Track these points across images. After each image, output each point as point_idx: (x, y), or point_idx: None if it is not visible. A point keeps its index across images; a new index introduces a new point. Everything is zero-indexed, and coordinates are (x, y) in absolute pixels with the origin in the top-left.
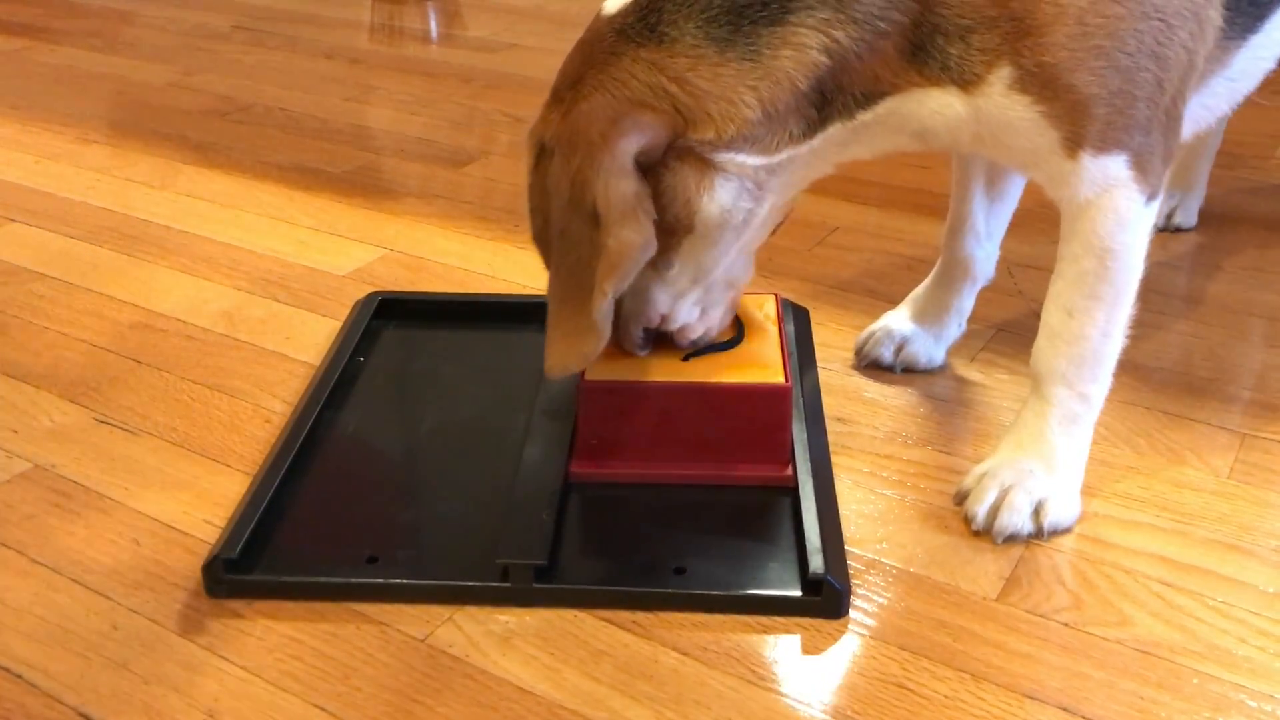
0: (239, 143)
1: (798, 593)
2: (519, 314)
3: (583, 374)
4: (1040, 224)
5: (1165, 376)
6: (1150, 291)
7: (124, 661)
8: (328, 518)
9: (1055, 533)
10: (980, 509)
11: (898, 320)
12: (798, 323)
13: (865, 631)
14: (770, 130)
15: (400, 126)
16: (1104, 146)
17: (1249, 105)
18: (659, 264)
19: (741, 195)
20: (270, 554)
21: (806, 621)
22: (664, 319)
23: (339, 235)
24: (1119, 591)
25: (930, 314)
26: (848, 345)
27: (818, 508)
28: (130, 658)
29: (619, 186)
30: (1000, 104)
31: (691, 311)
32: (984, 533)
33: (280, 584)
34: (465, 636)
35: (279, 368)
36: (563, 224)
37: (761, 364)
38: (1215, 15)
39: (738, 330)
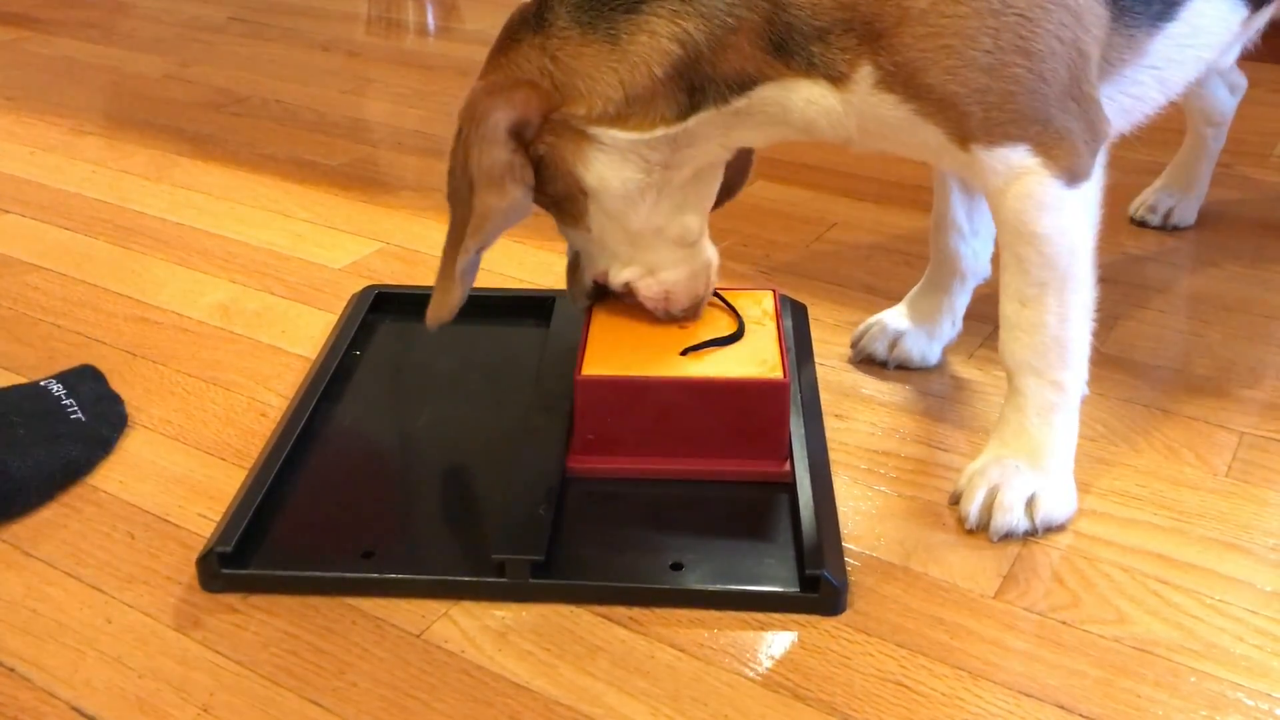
0: (235, 135)
1: (795, 589)
2: (515, 308)
3: (579, 368)
4: None
5: (1163, 374)
6: (1148, 289)
7: (118, 656)
8: (323, 512)
9: (1051, 527)
10: (973, 509)
11: (893, 317)
12: (795, 319)
13: (863, 628)
14: (638, 110)
15: (397, 119)
16: (994, 140)
17: (1246, 103)
18: (579, 224)
19: (623, 167)
20: (265, 548)
21: (804, 618)
22: (605, 275)
23: (335, 228)
24: (1116, 589)
25: (924, 312)
26: (845, 342)
27: (815, 504)
28: (124, 652)
29: (489, 154)
30: (871, 102)
31: (634, 272)
32: (979, 531)
33: (275, 578)
34: (461, 632)
35: (274, 361)
36: (454, 187)
37: (760, 359)
38: (1091, 3)
39: (738, 325)
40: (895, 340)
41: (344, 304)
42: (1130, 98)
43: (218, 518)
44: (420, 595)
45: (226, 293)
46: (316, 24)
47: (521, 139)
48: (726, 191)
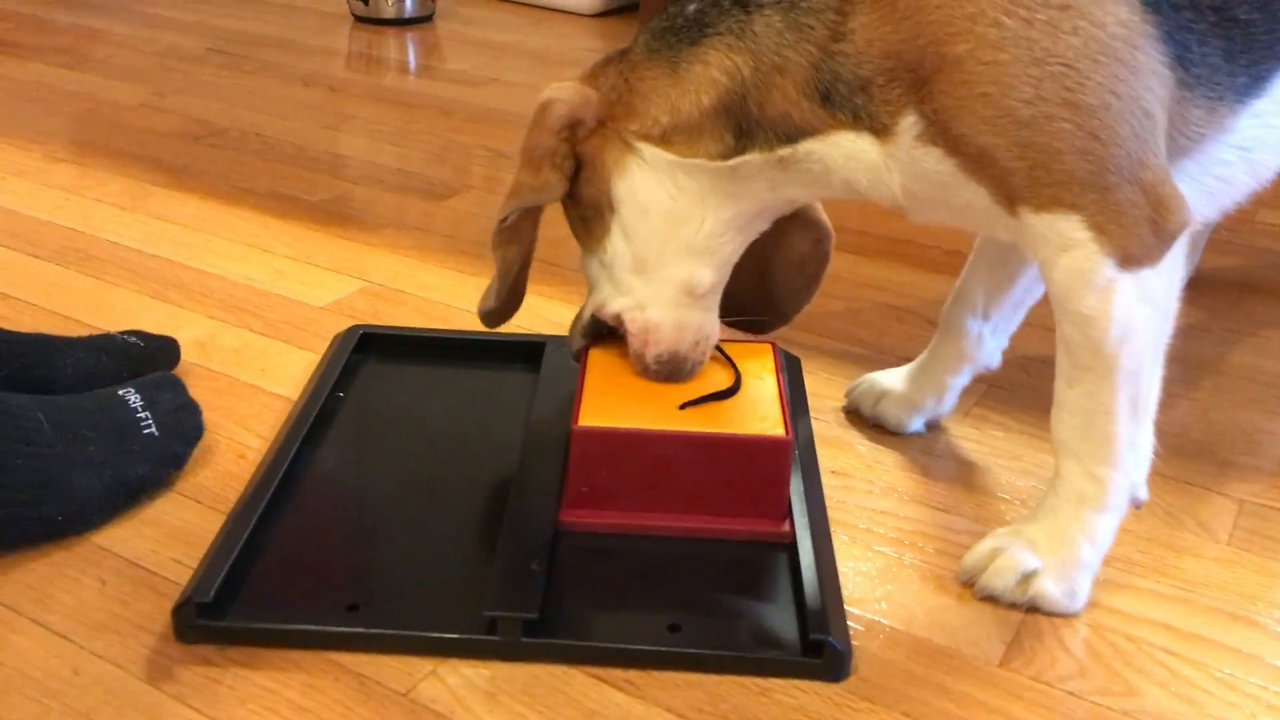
0: (213, 167)
1: (797, 654)
2: (505, 353)
3: (575, 418)
4: None
5: (1160, 439)
6: None
7: (86, 710)
8: (306, 561)
9: (1043, 610)
10: (970, 560)
11: (886, 376)
12: (790, 371)
13: (867, 695)
14: (682, 137)
15: (379, 157)
16: (1043, 204)
17: None
18: (597, 246)
19: (655, 185)
20: (245, 598)
21: (806, 684)
22: (603, 307)
23: (316, 265)
24: (1124, 660)
25: (916, 381)
26: (837, 396)
27: (817, 565)
28: (93, 706)
29: (538, 136)
30: (915, 156)
31: (626, 302)
32: (966, 586)
33: (255, 630)
34: (449, 691)
35: (254, 401)
36: None
37: (760, 415)
38: (1150, 61)
39: (735, 379)
40: (878, 399)
41: (326, 343)
42: (1216, 179)
43: (194, 564)
44: (407, 652)
45: (204, 328)
46: (297, 58)
47: (573, 133)
48: (799, 298)
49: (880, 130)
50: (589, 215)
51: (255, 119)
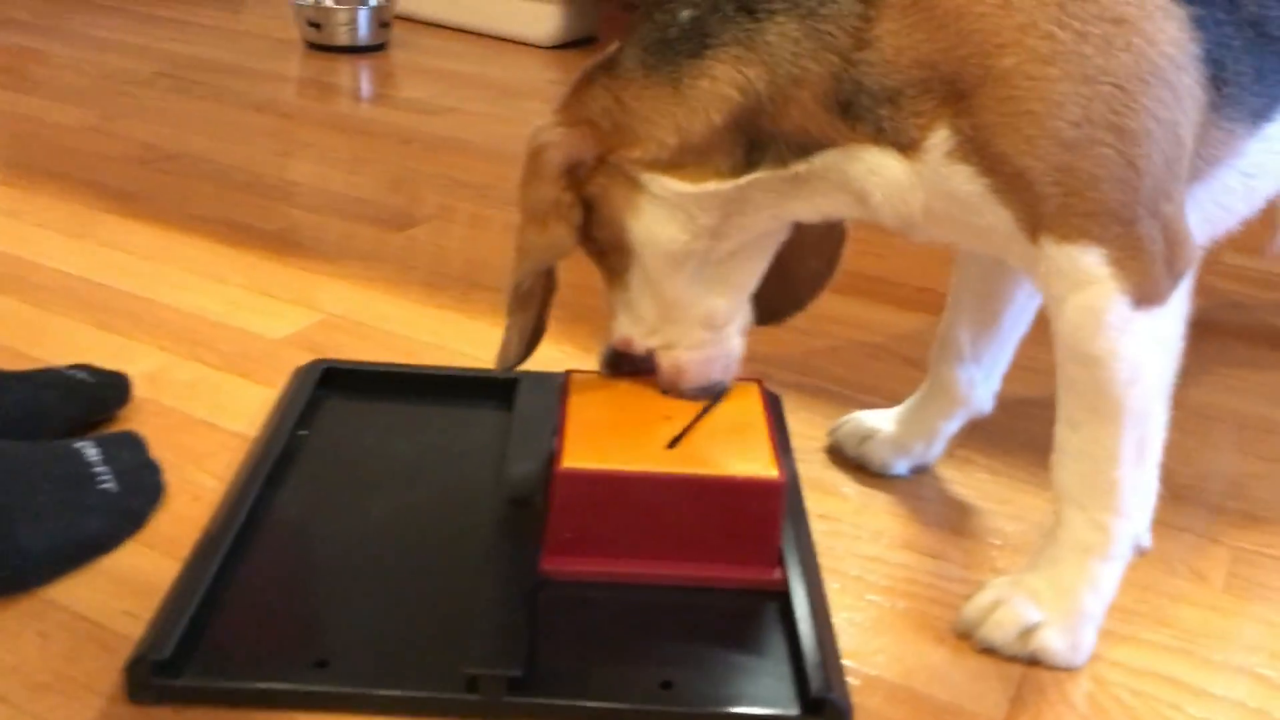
0: (163, 193)
1: (795, 711)
2: (477, 389)
3: (558, 459)
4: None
5: None
6: None
7: None
8: (270, 614)
9: (1046, 663)
10: (969, 612)
11: (873, 416)
12: (774, 410)
13: None
14: (692, 159)
15: (335, 185)
16: (1068, 234)
17: None
18: (619, 281)
19: (670, 223)
20: (204, 654)
21: None
22: (628, 342)
23: (272, 296)
24: (1131, 716)
25: (904, 424)
26: (817, 435)
27: (812, 615)
28: None
29: (537, 191)
30: (942, 174)
31: (658, 340)
32: (963, 638)
33: (216, 690)
34: None
35: (209, 438)
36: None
37: (750, 456)
38: (1191, 83)
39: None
40: (864, 439)
41: (284, 377)
42: (1218, 207)
43: (147, 617)
44: (381, 711)
45: (155, 361)
46: (248, 84)
47: (574, 177)
48: (817, 281)
49: (907, 145)
50: (607, 250)
51: (206, 145)
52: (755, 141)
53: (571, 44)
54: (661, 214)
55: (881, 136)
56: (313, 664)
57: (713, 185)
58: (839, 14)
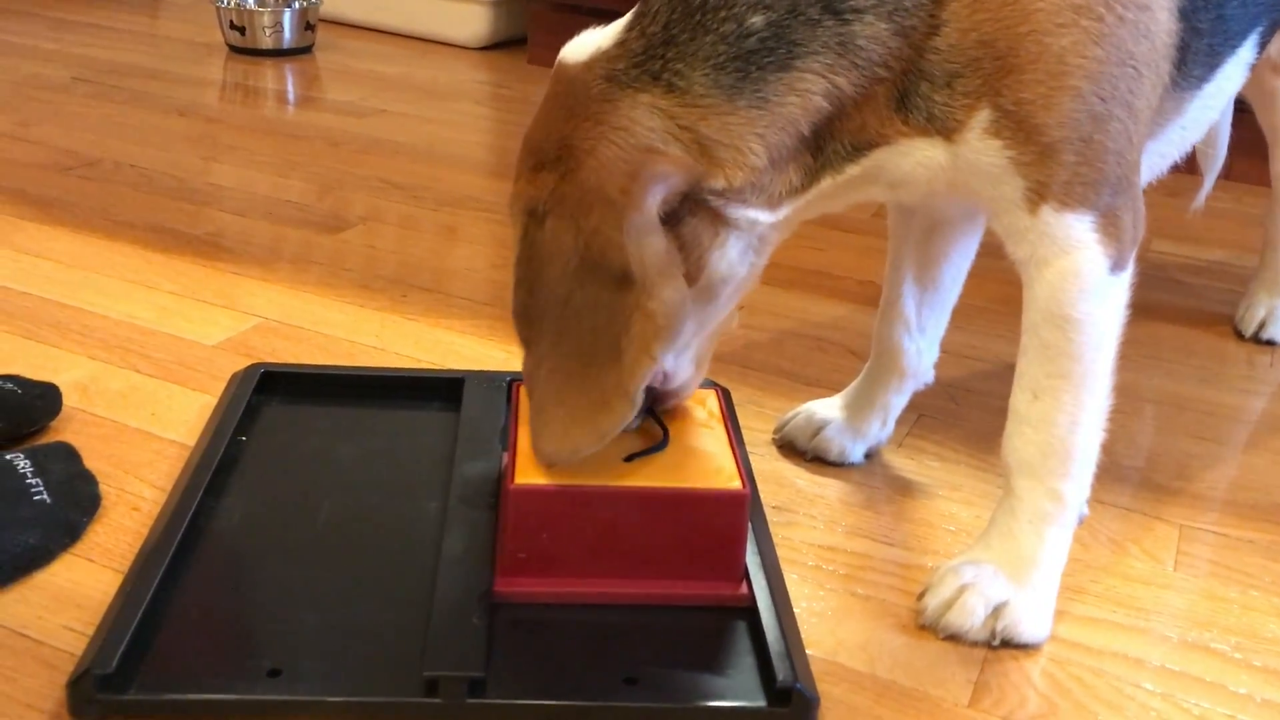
0: (86, 200)
1: (763, 703)
2: (421, 390)
3: (510, 475)
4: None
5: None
6: None
7: None
8: (219, 623)
9: (1013, 644)
10: (932, 603)
11: (823, 407)
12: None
13: None
14: (774, 180)
15: (264, 189)
16: (1068, 202)
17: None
18: None
19: (748, 251)
20: (151, 667)
21: None
22: (666, 375)
23: (204, 301)
24: (1091, 695)
25: (855, 407)
26: (766, 429)
27: (775, 607)
28: None
29: (652, 244)
30: (976, 149)
31: (688, 366)
32: (929, 628)
33: (165, 703)
34: None
35: (145, 447)
36: (566, 292)
37: (713, 467)
38: (1166, 66)
39: (663, 433)
40: (817, 430)
41: (220, 383)
42: (1159, 157)
43: (89, 631)
44: (338, 718)
45: (85, 370)
46: (170, 88)
47: (666, 217)
48: None
49: (953, 129)
50: None
51: (129, 150)
52: (821, 146)
53: (499, 45)
54: (742, 244)
55: (930, 126)
56: (265, 673)
57: (787, 207)
58: (915, 4)
